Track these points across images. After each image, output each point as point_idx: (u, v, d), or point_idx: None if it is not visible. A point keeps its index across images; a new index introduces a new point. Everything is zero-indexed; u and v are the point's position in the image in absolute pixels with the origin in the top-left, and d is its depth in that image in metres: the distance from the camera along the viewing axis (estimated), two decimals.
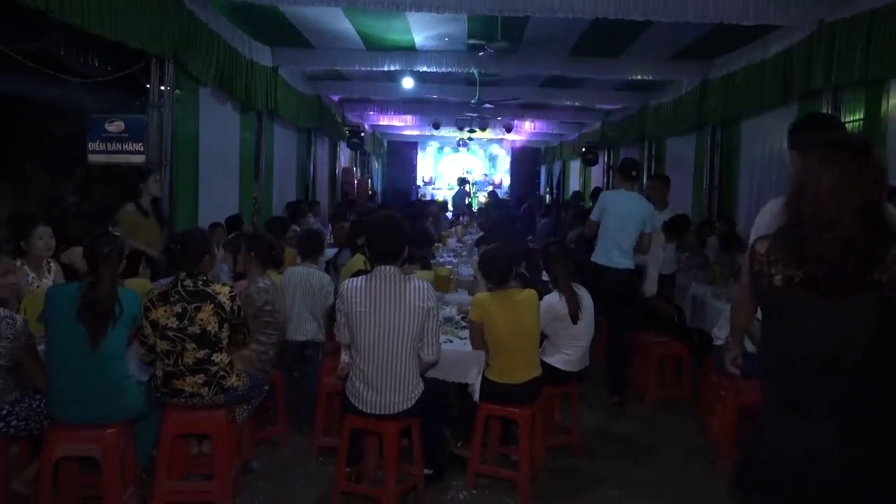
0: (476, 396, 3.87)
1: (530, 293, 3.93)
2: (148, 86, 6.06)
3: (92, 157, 6.11)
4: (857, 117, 5.88)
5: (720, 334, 4.55)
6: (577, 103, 12.96)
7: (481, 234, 8.37)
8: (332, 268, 6.71)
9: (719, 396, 4.40)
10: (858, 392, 1.84)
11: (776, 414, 1.97)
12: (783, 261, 1.89)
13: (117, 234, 3.67)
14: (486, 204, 14.79)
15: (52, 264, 4.46)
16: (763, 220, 2.85)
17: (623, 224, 5.46)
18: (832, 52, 5.78)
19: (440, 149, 22.24)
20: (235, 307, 3.39)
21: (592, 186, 13.67)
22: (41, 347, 3.31)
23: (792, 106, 6.95)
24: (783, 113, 7.13)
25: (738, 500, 2.10)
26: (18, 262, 4.20)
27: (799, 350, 1.90)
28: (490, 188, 21.56)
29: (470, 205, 18.06)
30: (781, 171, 7.23)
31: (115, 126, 6.02)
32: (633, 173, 5.70)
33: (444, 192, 20.95)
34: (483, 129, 15.62)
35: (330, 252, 7.53)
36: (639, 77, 9.46)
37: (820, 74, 5.96)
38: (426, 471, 3.77)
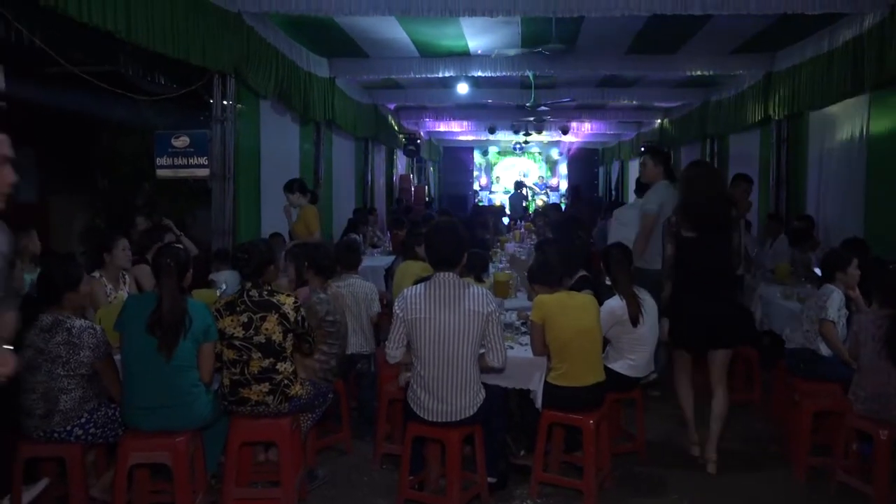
0: (538, 403, 3.83)
1: (590, 297, 3.92)
2: (211, 101, 6.22)
3: (160, 172, 6.33)
4: None
5: (793, 336, 4.38)
6: (634, 102, 12.70)
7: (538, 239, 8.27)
8: (390, 276, 6.73)
9: (793, 402, 4.23)
10: (721, 282, 4.00)
11: (686, 295, 4.02)
12: (687, 223, 4.00)
13: (180, 245, 3.75)
14: (542, 208, 14.65)
15: (127, 276, 4.62)
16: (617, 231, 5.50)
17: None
18: None
19: (493, 152, 22.20)
20: (300, 318, 3.44)
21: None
22: (116, 357, 3.43)
23: (864, 95, 6.64)
24: (854, 102, 6.82)
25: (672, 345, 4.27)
26: (97, 274, 4.37)
27: (696, 264, 3.99)
28: (546, 190, 21.42)
29: (527, 208, 17.95)
30: (852, 163, 6.92)
31: (181, 141, 6.22)
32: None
33: (500, 196, 20.91)
34: (539, 131, 15.50)
35: (388, 260, 7.60)
36: (698, 73, 9.21)
37: (894, 61, 5.67)
38: (489, 479, 3.75)
